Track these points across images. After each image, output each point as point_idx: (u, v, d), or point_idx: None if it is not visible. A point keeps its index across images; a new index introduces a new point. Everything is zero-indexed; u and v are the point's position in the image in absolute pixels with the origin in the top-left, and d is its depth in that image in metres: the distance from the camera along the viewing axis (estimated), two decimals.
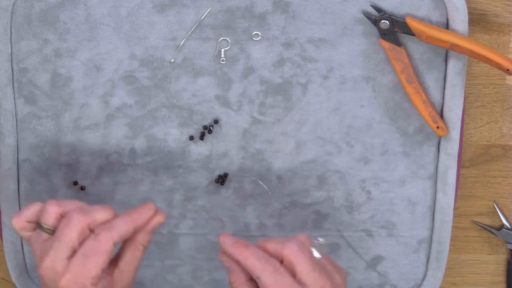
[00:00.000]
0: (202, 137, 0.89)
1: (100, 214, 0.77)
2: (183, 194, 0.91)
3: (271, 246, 0.77)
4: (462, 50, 0.83)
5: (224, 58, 0.87)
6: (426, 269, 0.93)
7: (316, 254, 0.77)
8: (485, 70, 0.91)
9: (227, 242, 0.78)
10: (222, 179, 0.90)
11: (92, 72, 0.87)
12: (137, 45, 0.87)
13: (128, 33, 0.86)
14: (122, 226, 0.77)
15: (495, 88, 0.92)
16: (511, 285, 0.98)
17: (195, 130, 0.89)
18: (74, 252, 0.75)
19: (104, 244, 0.75)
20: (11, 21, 0.85)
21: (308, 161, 0.90)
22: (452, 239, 0.94)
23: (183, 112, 0.88)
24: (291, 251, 0.75)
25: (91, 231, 0.76)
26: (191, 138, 0.89)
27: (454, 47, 0.83)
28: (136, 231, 0.78)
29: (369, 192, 0.91)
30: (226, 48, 0.87)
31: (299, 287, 0.74)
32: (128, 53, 0.87)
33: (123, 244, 0.80)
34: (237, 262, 0.77)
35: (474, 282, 0.99)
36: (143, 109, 0.88)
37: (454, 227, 0.94)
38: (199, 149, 0.90)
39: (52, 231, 0.77)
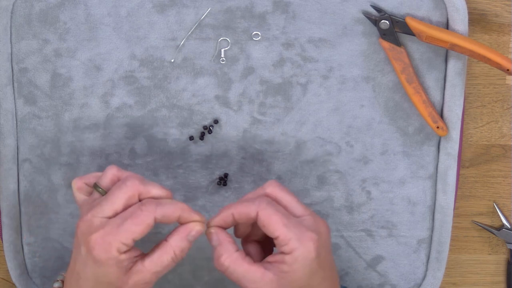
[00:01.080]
0: (202, 137, 0.89)
1: (156, 189, 0.77)
2: (183, 194, 0.91)
3: (251, 195, 0.79)
4: (462, 50, 0.83)
5: (224, 58, 0.87)
6: (426, 269, 0.93)
7: None
8: (485, 70, 0.91)
9: (217, 215, 0.79)
10: (223, 180, 0.90)
11: (92, 72, 0.87)
12: (137, 45, 0.87)
13: (128, 33, 0.86)
14: (169, 207, 0.75)
15: (495, 88, 0.92)
16: (511, 285, 0.98)
17: (195, 130, 0.89)
18: (116, 215, 0.75)
19: (145, 215, 0.74)
20: (11, 21, 0.86)
21: (308, 161, 0.90)
22: (452, 239, 0.94)
23: (183, 112, 0.88)
24: (272, 189, 0.78)
25: (140, 201, 0.76)
26: (191, 138, 0.89)
27: (454, 47, 0.83)
28: (180, 220, 0.76)
29: (369, 192, 0.91)
30: (226, 48, 0.87)
31: (292, 215, 0.77)
32: (128, 53, 0.87)
33: (157, 243, 0.77)
34: (232, 221, 0.78)
35: (474, 282, 0.99)
36: (143, 109, 0.88)
37: (454, 227, 0.94)
38: (199, 149, 0.90)
39: (105, 192, 0.78)
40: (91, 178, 0.81)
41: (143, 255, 0.77)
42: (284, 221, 0.75)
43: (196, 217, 0.77)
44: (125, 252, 0.74)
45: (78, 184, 0.81)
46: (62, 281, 0.82)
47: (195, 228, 0.76)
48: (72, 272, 0.78)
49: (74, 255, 0.78)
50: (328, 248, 0.78)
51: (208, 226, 0.78)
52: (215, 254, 0.77)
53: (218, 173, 0.90)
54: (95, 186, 0.79)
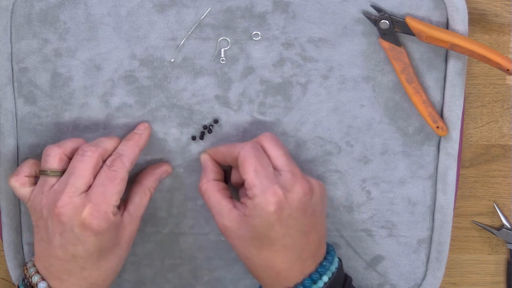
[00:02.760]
0: (202, 136, 0.89)
1: (109, 143, 0.82)
2: (183, 193, 0.91)
3: (238, 144, 0.83)
4: (462, 50, 0.83)
5: (224, 58, 0.87)
6: (426, 269, 0.93)
7: None
8: (485, 70, 0.91)
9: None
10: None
11: (92, 72, 0.87)
12: (137, 45, 0.87)
13: (128, 33, 0.86)
14: (130, 152, 0.82)
15: (495, 88, 0.92)
16: (511, 285, 0.98)
17: (195, 130, 0.89)
18: (89, 186, 0.78)
19: (119, 172, 0.79)
20: (11, 21, 0.86)
21: (308, 161, 0.90)
22: (452, 239, 0.94)
23: (183, 112, 0.88)
24: (264, 138, 0.82)
25: (104, 162, 0.80)
26: (194, 138, 0.89)
27: (454, 47, 0.83)
28: (145, 175, 0.84)
29: (369, 192, 0.91)
30: (226, 48, 0.87)
31: (274, 168, 0.80)
32: (128, 53, 0.87)
33: (132, 189, 0.84)
34: (218, 155, 0.85)
35: (474, 282, 0.99)
36: (143, 109, 0.88)
37: (454, 227, 0.94)
38: (199, 148, 0.90)
39: (60, 173, 0.79)
40: (26, 169, 0.82)
41: (123, 204, 0.82)
42: (256, 167, 0.79)
43: (146, 134, 0.85)
44: (117, 210, 0.79)
45: (19, 180, 0.82)
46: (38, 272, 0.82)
47: (163, 170, 0.86)
48: (62, 260, 0.78)
49: (59, 244, 0.78)
50: (301, 209, 0.79)
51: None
52: (200, 177, 0.84)
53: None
54: (44, 172, 0.80)
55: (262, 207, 0.77)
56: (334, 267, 0.82)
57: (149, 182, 0.85)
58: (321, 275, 0.81)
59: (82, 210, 0.76)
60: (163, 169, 0.87)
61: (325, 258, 0.82)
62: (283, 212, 0.78)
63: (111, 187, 0.78)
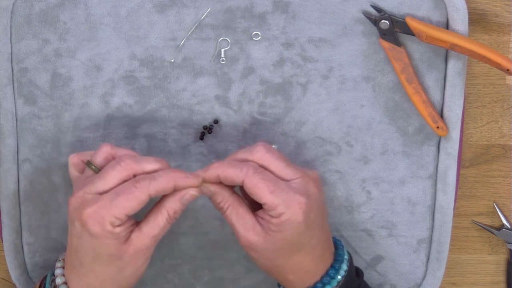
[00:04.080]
0: (202, 137, 0.89)
1: (151, 164, 0.78)
2: None
3: (240, 156, 0.80)
4: (462, 50, 0.83)
5: (224, 58, 0.87)
6: (426, 269, 0.93)
7: None
8: (485, 70, 0.91)
9: (203, 171, 0.80)
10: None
11: (92, 72, 0.87)
12: (137, 45, 0.87)
13: (128, 33, 0.86)
14: (162, 181, 0.77)
15: (495, 88, 0.92)
16: (511, 285, 0.98)
17: (195, 130, 0.89)
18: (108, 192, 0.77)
19: (138, 190, 0.75)
20: (11, 21, 0.86)
21: (308, 161, 0.90)
22: (452, 239, 0.94)
23: (183, 112, 0.88)
24: (261, 155, 0.79)
25: (135, 177, 0.77)
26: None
27: (454, 47, 0.83)
28: (176, 189, 0.78)
29: (369, 192, 0.91)
30: (226, 48, 0.87)
31: (281, 180, 0.78)
32: (128, 53, 0.87)
33: (151, 208, 0.79)
34: (217, 180, 0.80)
35: (474, 282, 0.99)
36: (143, 109, 0.88)
37: (454, 227, 0.94)
38: (199, 149, 0.90)
39: (98, 170, 0.79)
40: (87, 155, 0.82)
41: (138, 222, 0.78)
42: (270, 188, 0.77)
43: (190, 182, 0.78)
44: (119, 225, 0.76)
45: (74, 159, 0.82)
46: (64, 260, 0.83)
47: (189, 192, 0.79)
48: (70, 248, 0.79)
49: (69, 231, 0.79)
50: (318, 206, 0.80)
51: (197, 185, 0.79)
52: (213, 202, 0.81)
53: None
54: (88, 163, 0.80)
55: (291, 220, 0.77)
56: (345, 255, 0.83)
57: (168, 202, 0.78)
58: (340, 264, 0.82)
59: (86, 207, 0.76)
60: (188, 193, 0.79)
61: (336, 248, 0.84)
62: (309, 217, 0.78)
63: (122, 199, 0.75)
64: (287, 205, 0.77)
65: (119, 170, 0.77)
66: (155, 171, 0.78)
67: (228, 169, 0.78)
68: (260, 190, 0.77)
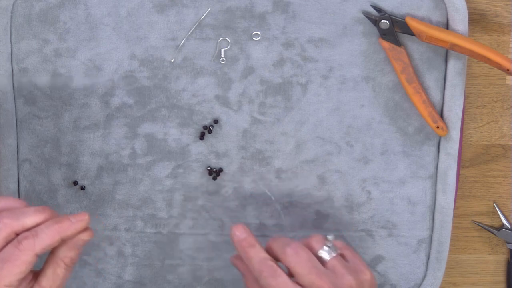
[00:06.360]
0: (202, 137, 0.89)
1: (31, 218, 0.74)
2: (183, 194, 0.91)
3: (275, 247, 0.78)
4: (462, 50, 0.83)
5: (224, 58, 0.87)
6: (426, 269, 0.93)
7: (325, 255, 0.78)
8: (485, 70, 0.91)
9: (237, 235, 0.79)
10: (216, 173, 0.90)
11: (92, 72, 0.87)
12: (137, 45, 0.87)
13: (128, 33, 0.86)
14: (47, 237, 0.73)
15: (495, 88, 0.92)
16: (511, 285, 0.98)
17: (195, 130, 0.89)
18: None
19: (24, 254, 0.72)
20: (11, 21, 0.86)
21: (308, 161, 0.90)
22: (452, 239, 0.94)
23: (183, 112, 0.88)
24: (287, 255, 0.77)
25: (17, 235, 0.73)
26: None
27: (454, 47, 0.83)
28: (66, 239, 0.74)
29: (369, 192, 0.91)
30: (226, 48, 0.87)
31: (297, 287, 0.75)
32: (128, 53, 0.87)
33: (46, 259, 0.76)
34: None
35: (474, 282, 0.99)
36: (143, 109, 0.88)
37: (454, 227, 0.94)
38: (199, 149, 0.90)
39: None
40: None
41: (36, 274, 0.75)
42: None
43: (77, 228, 0.74)
44: (16, 286, 0.73)
45: None
46: None
47: (80, 238, 0.75)
48: None
49: None
50: None
51: (84, 227, 0.75)
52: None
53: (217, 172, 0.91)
54: None
55: None
56: None
57: (62, 252, 0.74)
58: None
59: None
60: (80, 237, 0.75)
61: None
62: None
63: (8, 266, 0.71)
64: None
65: None
66: (37, 224, 0.73)
67: (251, 260, 0.78)
68: None
